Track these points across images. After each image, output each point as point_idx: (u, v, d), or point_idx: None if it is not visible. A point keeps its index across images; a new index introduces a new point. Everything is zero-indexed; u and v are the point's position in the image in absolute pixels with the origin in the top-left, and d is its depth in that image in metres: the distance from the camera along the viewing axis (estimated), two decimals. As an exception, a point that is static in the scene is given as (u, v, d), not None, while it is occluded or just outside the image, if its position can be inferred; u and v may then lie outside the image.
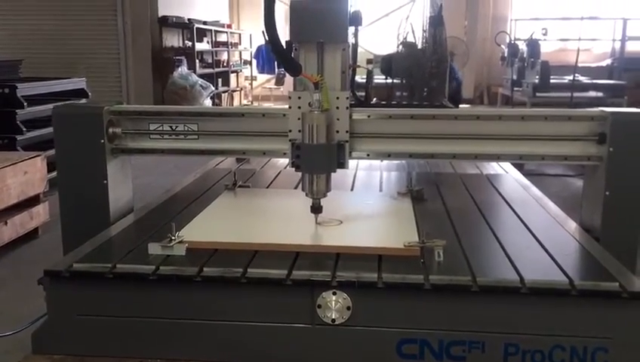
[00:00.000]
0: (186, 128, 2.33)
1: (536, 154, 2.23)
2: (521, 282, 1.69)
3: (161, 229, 2.10)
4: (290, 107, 2.13)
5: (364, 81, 5.82)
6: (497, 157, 2.33)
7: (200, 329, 1.79)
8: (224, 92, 13.53)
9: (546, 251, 1.94)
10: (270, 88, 15.46)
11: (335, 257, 1.87)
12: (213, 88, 11.79)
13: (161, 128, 2.34)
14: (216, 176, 3.02)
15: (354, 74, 2.24)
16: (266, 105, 15.08)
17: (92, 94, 7.40)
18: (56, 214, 4.84)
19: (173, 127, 2.33)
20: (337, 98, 2.10)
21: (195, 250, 1.90)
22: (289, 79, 14.95)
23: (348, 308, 1.72)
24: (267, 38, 1.92)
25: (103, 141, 2.29)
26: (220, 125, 2.34)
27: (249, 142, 2.34)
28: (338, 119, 2.12)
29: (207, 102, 11.24)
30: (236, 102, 14.29)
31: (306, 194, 2.12)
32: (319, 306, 1.72)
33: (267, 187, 2.87)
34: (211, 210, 2.33)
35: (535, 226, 2.21)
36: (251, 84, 15.74)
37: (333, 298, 1.72)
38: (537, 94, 11.08)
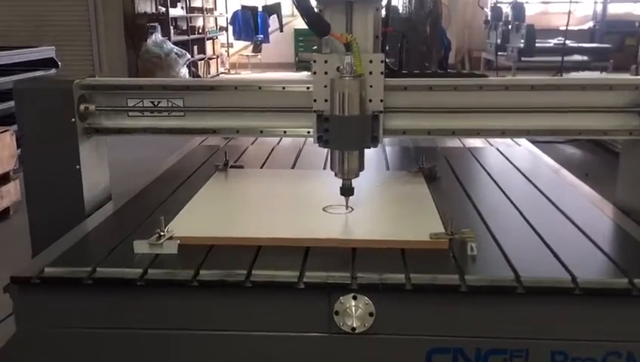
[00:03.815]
0: (170, 104, 2.04)
1: (572, 129, 1.98)
2: (573, 281, 1.46)
3: (146, 222, 1.84)
4: (315, 73, 1.83)
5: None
6: (527, 133, 2.06)
7: (197, 341, 1.55)
8: (200, 60, 13.12)
9: (592, 241, 1.71)
10: (247, 56, 15.07)
11: (351, 253, 1.62)
12: (189, 56, 11.41)
13: (141, 104, 2.04)
14: (203, 155, 2.74)
15: (386, 39, 1.91)
16: (244, 73, 14.69)
17: (61, 64, 7.01)
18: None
19: (155, 103, 2.04)
20: (371, 62, 1.81)
21: (188, 246, 1.64)
22: (266, 46, 14.57)
23: (370, 314, 1.49)
24: None
25: (73, 120, 1.99)
26: (208, 100, 2.04)
27: (243, 119, 2.05)
28: (371, 86, 1.83)
29: (184, 71, 10.86)
30: (213, 71, 13.86)
31: (335, 174, 1.85)
32: (337, 313, 1.49)
33: (262, 167, 2.59)
34: (203, 196, 2.06)
35: (568, 208, 1.98)
36: (227, 51, 15.31)
37: (353, 303, 1.48)
38: (522, 58, 10.92)
